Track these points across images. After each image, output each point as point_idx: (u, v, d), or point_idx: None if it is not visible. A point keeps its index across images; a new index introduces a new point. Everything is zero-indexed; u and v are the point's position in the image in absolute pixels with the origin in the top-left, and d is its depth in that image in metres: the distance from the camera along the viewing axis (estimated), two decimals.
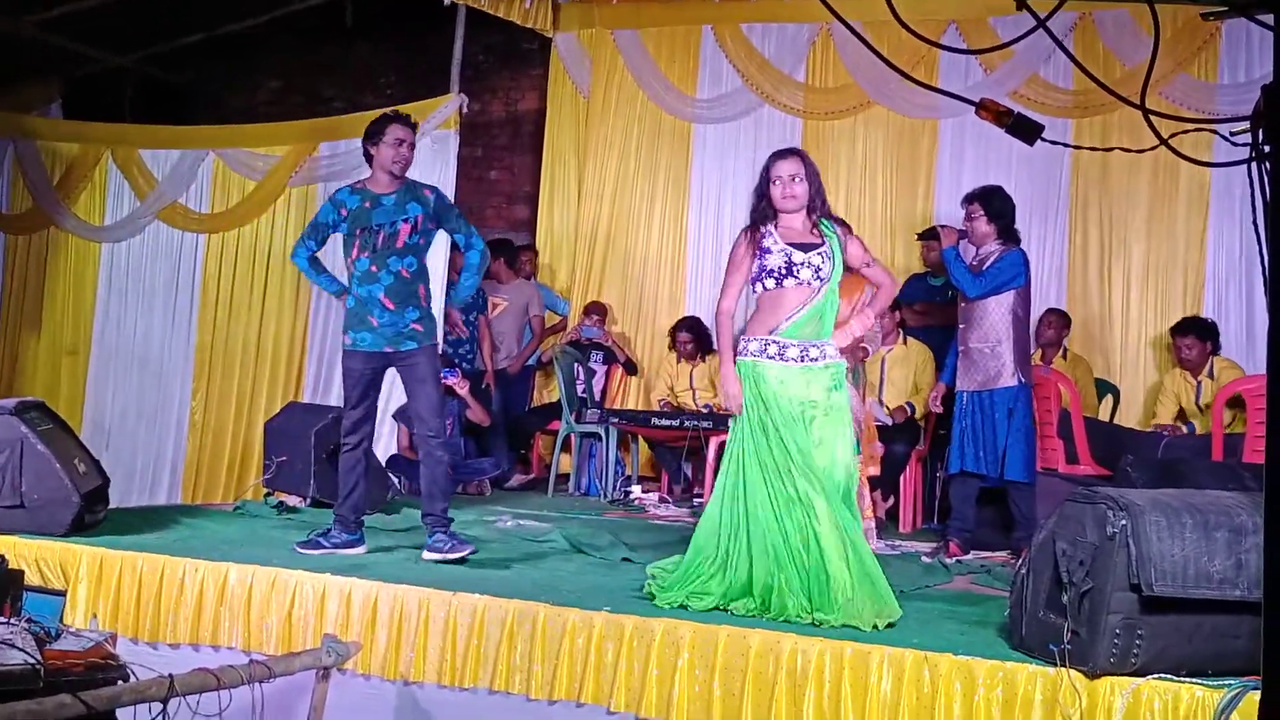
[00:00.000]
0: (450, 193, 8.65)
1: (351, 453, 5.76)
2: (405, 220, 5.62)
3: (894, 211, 9.10)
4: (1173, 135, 2.68)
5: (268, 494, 7.27)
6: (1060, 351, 8.05)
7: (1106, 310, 8.59)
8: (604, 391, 9.36)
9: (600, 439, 8.67)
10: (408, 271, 5.64)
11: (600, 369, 9.32)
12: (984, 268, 6.38)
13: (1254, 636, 3.71)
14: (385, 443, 8.51)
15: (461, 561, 5.43)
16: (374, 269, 5.59)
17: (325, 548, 5.59)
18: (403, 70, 11.29)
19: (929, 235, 8.18)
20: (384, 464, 7.76)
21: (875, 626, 4.51)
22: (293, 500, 7.08)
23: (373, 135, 5.67)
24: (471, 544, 5.58)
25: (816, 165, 5.14)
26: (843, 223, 5.14)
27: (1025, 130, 2.67)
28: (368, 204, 5.66)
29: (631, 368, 9.37)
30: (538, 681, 4.56)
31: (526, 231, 10.55)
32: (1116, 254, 8.57)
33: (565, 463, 9.09)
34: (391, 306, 5.59)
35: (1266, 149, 2.34)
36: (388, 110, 5.83)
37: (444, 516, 5.64)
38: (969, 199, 6.59)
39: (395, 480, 7.76)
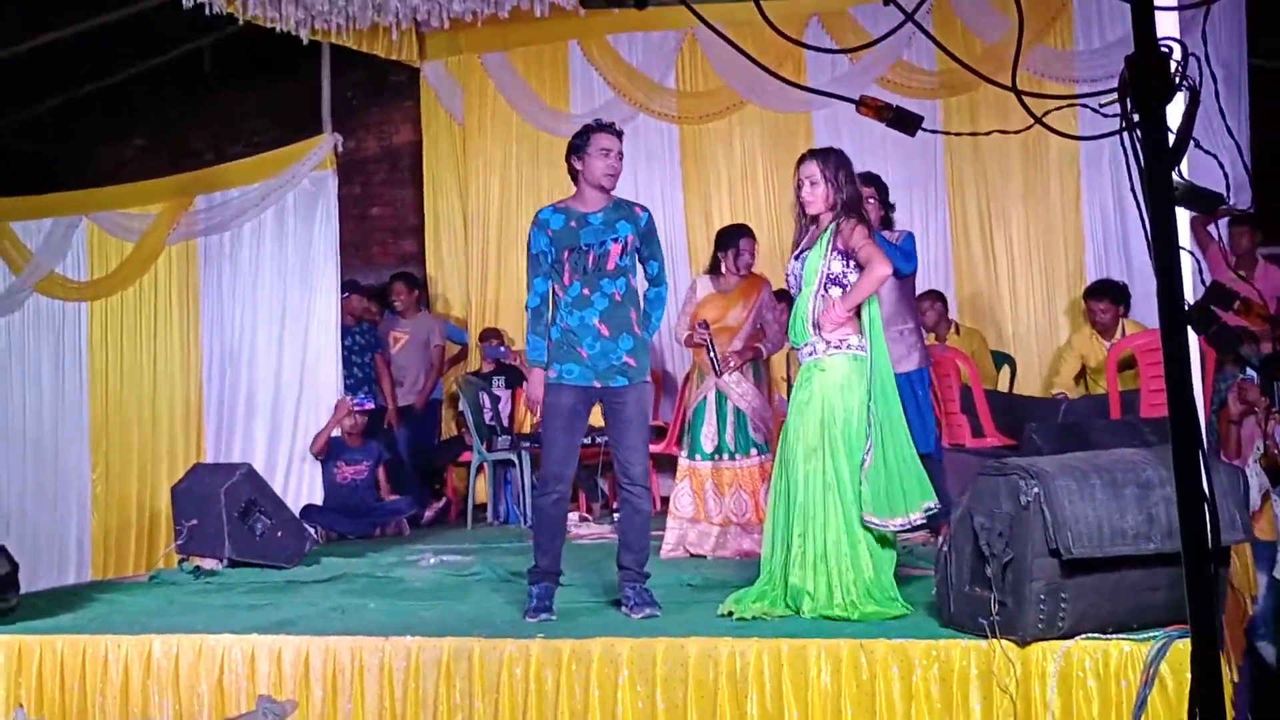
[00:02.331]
0: (333, 234, 8.58)
1: (558, 504, 5.20)
2: (615, 240, 5.13)
3: (778, 207, 9.20)
4: (1045, 113, 2.75)
5: (182, 560, 7.13)
6: (951, 328, 8.21)
7: (994, 283, 8.79)
8: (511, 416, 9.32)
9: (514, 465, 8.65)
10: (620, 295, 5.13)
11: (504, 394, 9.28)
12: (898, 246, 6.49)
13: (1172, 587, 3.83)
14: (295, 492, 8.39)
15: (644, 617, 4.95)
16: (586, 293, 5.10)
17: (548, 602, 5.10)
18: (269, 116, 11.16)
19: None
20: (298, 514, 7.64)
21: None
22: (209, 563, 6.94)
23: (577, 148, 5.17)
24: (657, 605, 5.00)
25: (845, 162, 5.08)
26: (860, 217, 5.04)
27: (905, 123, 2.72)
28: (574, 223, 5.16)
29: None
30: (480, 717, 4.53)
31: (416, 265, 10.49)
32: (997, 228, 8.78)
33: (482, 492, 9.05)
34: (606, 333, 5.09)
35: (1136, 118, 2.40)
36: (589, 121, 5.31)
37: (636, 570, 5.13)
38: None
39: (311, 530, 7.66)
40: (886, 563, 4.85)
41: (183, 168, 10.46)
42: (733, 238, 6.92)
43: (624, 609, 5.02)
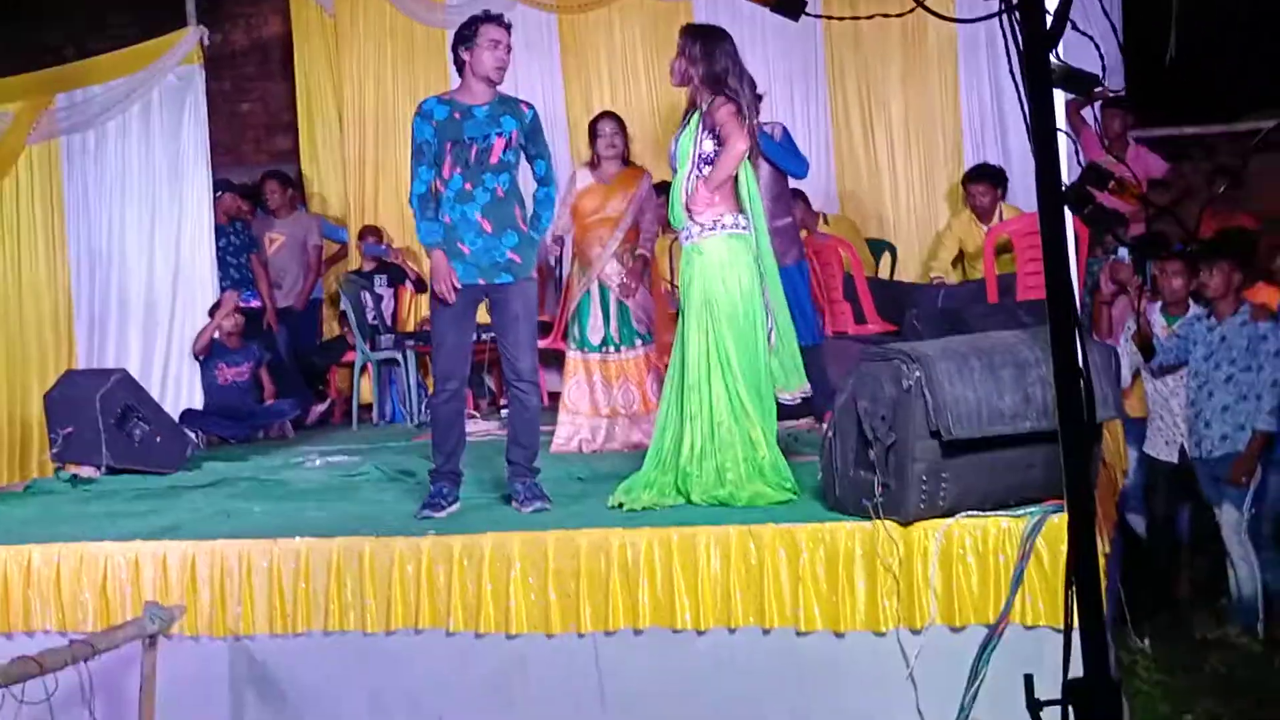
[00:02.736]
0: (202, 132, 8.32)
1: (450, 403, 5.12)
2: (500, 134, 5.04)
3: (660, 97, 9.12)
4: None
5: (58, 468, 6.96)
6: (819, 219, 8.22)
7: (875, 170, 8.85)
8: (394, 315, 9.21)
9: (399, 364, 8.57)
10: (503, 190, 5.07)
11: (387, 292, 9.16)
12: (776, 144, 6.50)
13: (1047, 464, 3.95)
14: (173, 397, 8.22)
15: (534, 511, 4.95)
16: (468, 187, 5.02)
17: (446, 508, 5.02)
18: (131, 7, 10.70)
19: None
20: (177, 419, 7.49)
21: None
22: (86, 471, 6.78)
23: (465, 39, 5.04)
24: (547, 499, 5.01)
25: (708, 36, 5.08)
26: (727, 96, 4.98)
27: (789, 6, 2.69)
28: (458, 115, 5.04)
29: (421, 285, 9.23)
30: (372, 616, 4.55)
31: (291, 162, 10.22)
32: (877, 115, 8.81)
33: (366, 392, 8.96)
34: (489, 229, 5.02)
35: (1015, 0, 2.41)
36: (477, 11, 5.13)
37: (525, 465, 5.11)
38: None
39: (192, 435, 7.53)
40: (775, 443, 4.92)
41: (42, 64, 10.01)
42: (593, 124, 6.89)
43: (514, 503, 5.04)
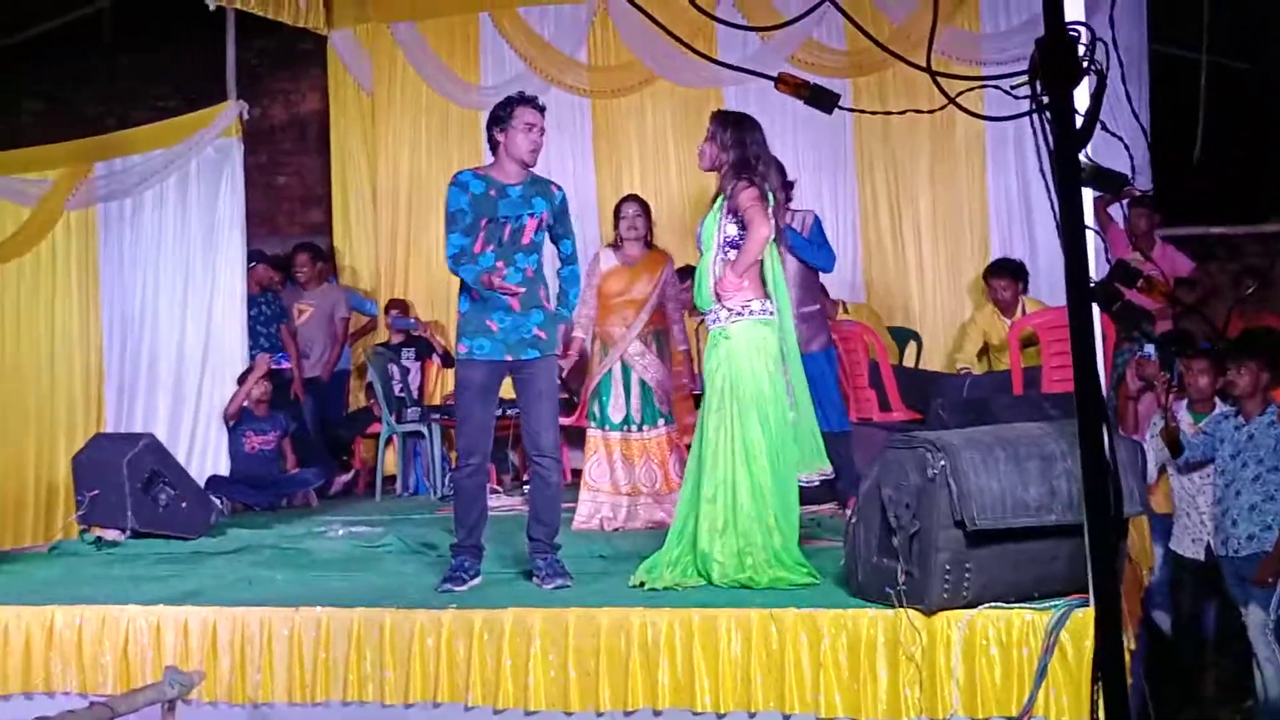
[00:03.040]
0: (239, 203, 8.46)
1: (473, 477, 5.16)
2: (532, 215, 5.12)
3: (689, 182, 9.23)
4: (959, 94, 2.81)
5: (83, 530, 7.01)
6: (839, 307, 8.26)
7: (901, 260, 8.91)
8: (420, 388, 9.27)
9: (424, 436, 8.61)
10: (532, 271, 5.13)
11: (414, 365, 9.23)
12: (807, 234, 6.58)
13: (1072, 558, 3.95)
14: (199, 463, 8.28)
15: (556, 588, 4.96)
16: (500, 265, 5.03)
17: (468, 581, 5.04)
18: (174, 81, 10.92)
19: None
20: (203, 485, 7.54)
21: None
22: (111, 534, 6.84)
23: (500, 120, 5.12)
24: (569, 576, 5.03)
25: (738, 123, 5.16)
26: (750, 181, 5.06)
27: (823, 100, 2.77)
28: (493, 192, 5.10)
29: (447, 360, 9.29)
30: (391, 687, 4.55)
31: (323, 235, 10.36)
32: (905, 207, 8.89)
33: (391, 464, 9.00)
34: (517, 308, 5.08)
35: (1045, 100, 2.47)
36: (512, 93, 5.24)
37: (546, 542, 5.14)
38: None
39: (217, 501, 7.57)
40: (793, 529, 4.93)
41: (83, 133, 10.19)
42: (617, 207, 6.99)
43: (535, 580, 5.04)
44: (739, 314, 4.98)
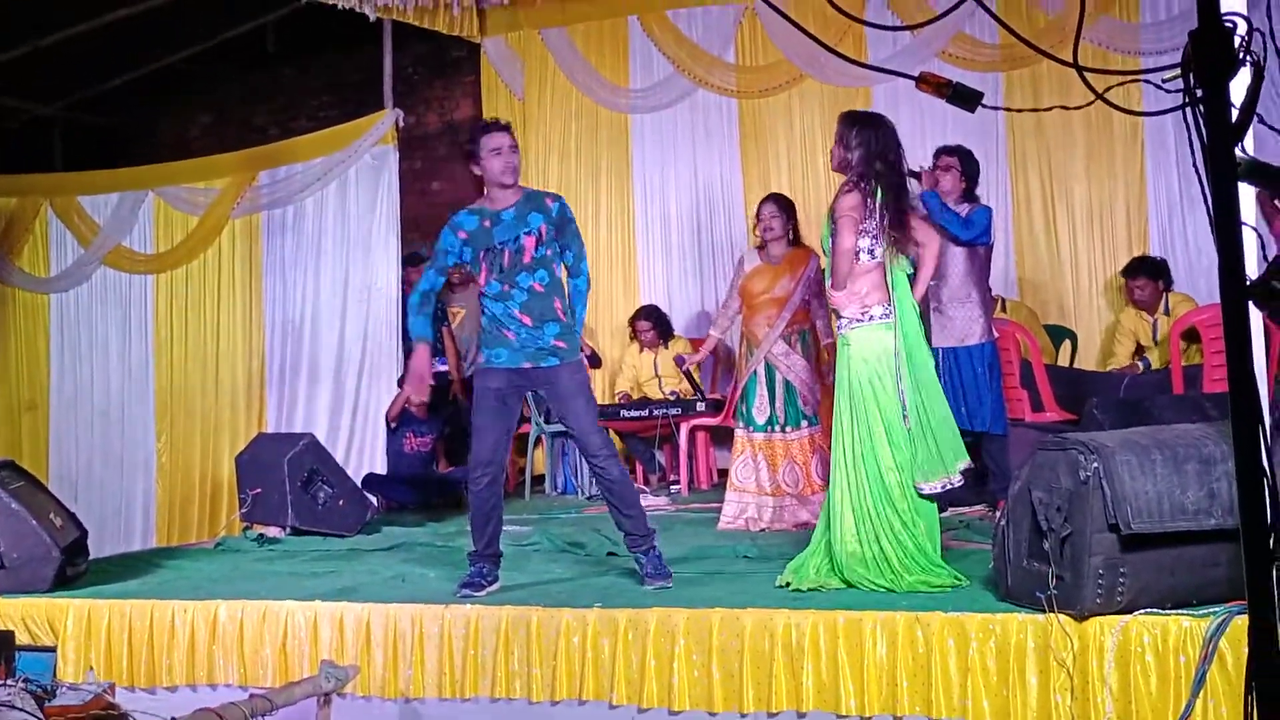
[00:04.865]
0: (394, 208, 8.68)
1: (490, 488, 5.19)
2: (529, 233, 5.16)
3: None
4: (1107, 89, 2.74)
5: (246, 527, 7.26)
6: (997, 305, 8.10)
7: (1055, 257, 8.72)
8: None
9: (572, 437, 8.70)
10: (541, 286, 5.16)
11: None
12: (965, 214, 6.45)
13: (1233, 563, 3.81)
14: (356, 462, 8.51)
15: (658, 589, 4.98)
16: (505, 289, 5.15)
17: (486, 587, 5.11)
18: (333, 91, 11.26)
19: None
20: (359, 483, 7.74)
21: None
22: (272, 531, 7.07)
23: (471, 154, 5.22)
24: (669, 575, 5.05)
25: (865, 124, 5.12)
26: (853, 184, 5.03)
27: (965, 99, 2.73)
28: (487, 223, 5.18)
29: (595, 361, 9.39)
30: (538, 685, 4.60)
31: None
32: (1059, 201, 8.69)
33: (539, 463, 9.13)
34: (529, 323, 5.14)
35: (1199, 93, 2.40)
36: (480, 121, 5.35)
37: (640, 534, 5.16)
38: (947, 151, 6.63)
39: (373, 499, 7.76)
40: (932, 532, 4.85)
41: (247, 143, 10.59)
42: (757, 208, 6.97)
43: (640, 577, 5.09)
44: (859, 320, 4.93)
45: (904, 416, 4.85)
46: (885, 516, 4.79)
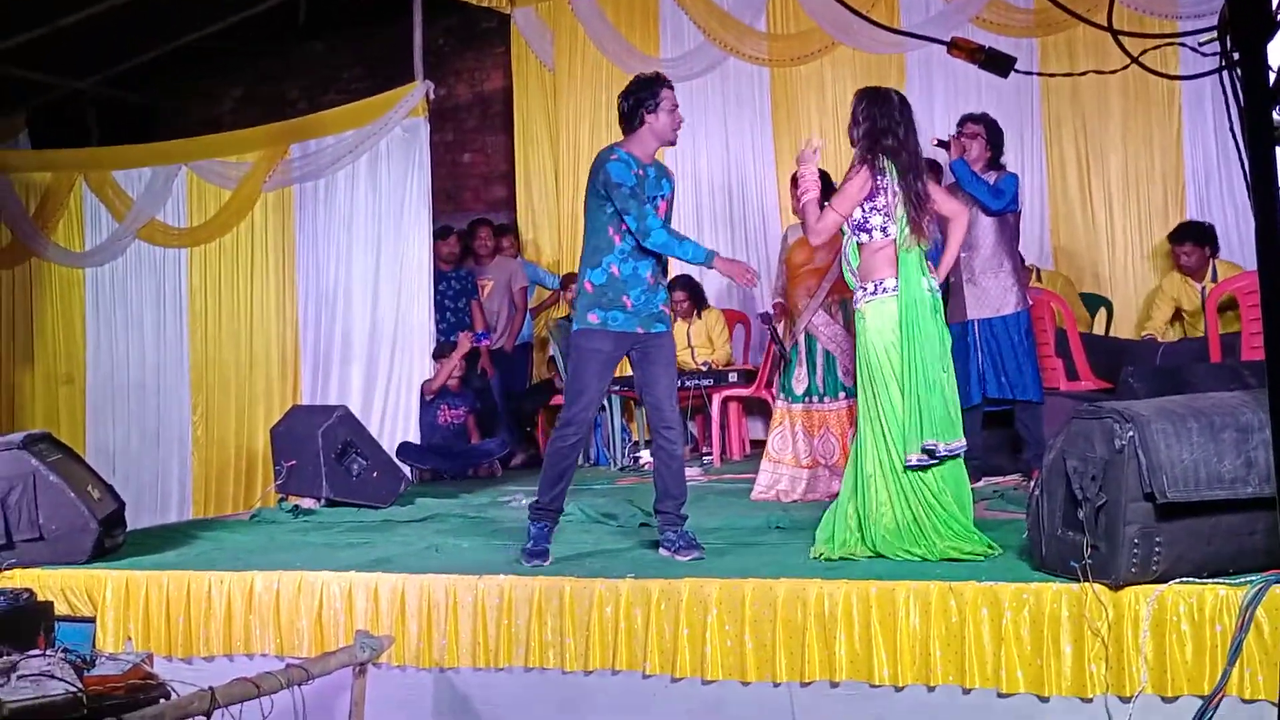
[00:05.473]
0: (425, 180, 8.69)
1: (575, 445, 5.17)
2: (663, 197, 5.17)
3: None
4: (1142, 53, 2.71)
5: (281, 499, 7.31)
6: (1033, 275, 8.04)
7: (1090, 225, 8.65)
8: None
9: (604, 408, 8.72)
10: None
11: None
12: (991, 184, 6.39)
13: (1270, 532, 3.78)
14: (390, 432, 8.54)
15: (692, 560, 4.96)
16: (638, 246, 5.09)
17: (550, 554, 5.12)
18: (363, 63, 11.27)
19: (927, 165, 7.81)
20: (394, 454, 7.78)
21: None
22: (307, 502, 7.12)
23: (647, 101, 5.09)
24: (701, 548, 5.03)
25: (875, 99, 5.09)
26: (862, 158, 5.06)
27: (998, 64, 2.69)
28: (639, 172, 5.10)
29: None
30: (571, 654, 4.61)
31: (506, 210, 10.56)
32: (1095, 168, 8.61)
33: None
34: (652, 283, 5.12)
35: (1236, 56, 2.36)
36: (647, 73, 5.22)
37: (676, 514, 5.15)
38: (972, 119, 6.58)
39: (406, 469, 7.80)
40: (957, 498, 4.83)
41: (278, 116, 10.62)
42: (792, 177, 6.93)
43: (665, 551, 5.08)
44: (873, 294, 4.93)
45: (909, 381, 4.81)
46: (915, 484, 4.78)
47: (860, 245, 5.01)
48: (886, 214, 4.93)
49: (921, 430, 4.77)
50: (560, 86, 10.06)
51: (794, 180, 6.87)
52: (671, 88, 5.17)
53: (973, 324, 6.43)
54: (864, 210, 4.95)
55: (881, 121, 4.96)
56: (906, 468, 4.81)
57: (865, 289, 4.96)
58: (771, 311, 7.33)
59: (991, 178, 6.41)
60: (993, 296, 6.40)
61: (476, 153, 11.16)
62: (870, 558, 4.77)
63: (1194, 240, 7.57)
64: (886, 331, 4.87)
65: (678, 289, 8.97)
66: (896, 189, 4.92)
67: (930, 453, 4.77)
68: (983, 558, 4.62)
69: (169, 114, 11.93)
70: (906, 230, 4.91)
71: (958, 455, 4.84)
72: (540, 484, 5.24)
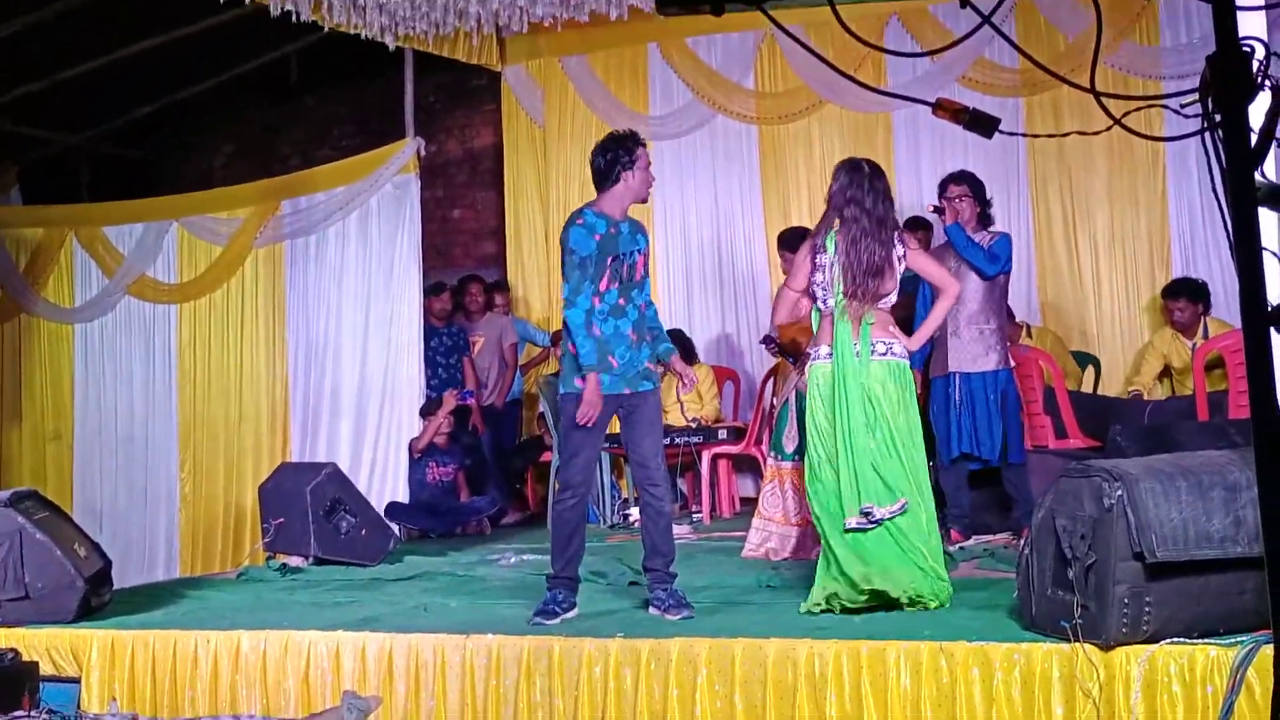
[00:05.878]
0: (416, 237, 8.71)
1: (574, 509, 5.18)
2: (640, 251, 5.19)
3: None
4: (1125, 114, 2.73)
5: (269, 557, 7.27)
6: (1022, 331, 8.07)
7: (1078, 282, 8.69)
8: None
9: None
10: (644, 306, 5.22)
11: None
12: (987, 245, 6.44)
13: (1260, 591, 3.77)
14: (379, 488, 8.51)
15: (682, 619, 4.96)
16: (621, 302, 5.11)
17: (560, 615, 5.05)
18: (354, 120, 11.33)
19: (917, 225, 7.92)
20: (382, 511, 7.75)
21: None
22: (295, 561, 7.08)
23: (624, 159, 5.09)
24: (691, 607, 5.03)
25: (851, 170, 5.21)
26: (811, 234, 5.43)
27: (982, 125, 2.71)
28: (612, 229, 5.10)
29: None
30: (560, 715, 4.58)
31: (496, 266, 10.58)
32: (1081, 226, 8.67)
33: None
34: (635, 339, 5.13)
35: (1218, 118, 2.38)
36: (621, 130, 5.25)
37: (665, 571, 5.13)
38: (956, 179, 6.62)
39: (394, 528, 7.77)
40: (920, 540, 4.91)
41: (270, 172, 10.66)
42: (789, 241, 6.92)
43: (656, 610, 5.05)
44: (813, 360, 5.14)
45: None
46: (852, 539, 4.88)
47: (818, 311, 5.20)
48: (825, 286, 5.11)
49: (859, 495, 4.84)
50: (550, 143, 10.12)
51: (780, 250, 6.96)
52: (645, 146, 5.21)
53: (954, 376, 6.47)
54: (811, 282, 5.17)
55: (848, 192, 5.08)
56: (846, 530, 4.84)
57: (809, 354, 5.19)
58: (774, 334, 7.32)
59: (985, 238, 6.45)
60: (973, 351, 6.44)
61: (467, 209, 11.20)
62: (867, 605, 4.81)
63: (1188, 296, 7.60)
64: (817, 397, 5.04)
65: None
66: (834, 262, 5.06)
67: (867, 515, 4.83)
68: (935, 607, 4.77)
69: (161, 170, 11.97)
70: (843, 300, 5.03)
71: (895, 517, 4.89)
72: (551, 553, 5.25)
